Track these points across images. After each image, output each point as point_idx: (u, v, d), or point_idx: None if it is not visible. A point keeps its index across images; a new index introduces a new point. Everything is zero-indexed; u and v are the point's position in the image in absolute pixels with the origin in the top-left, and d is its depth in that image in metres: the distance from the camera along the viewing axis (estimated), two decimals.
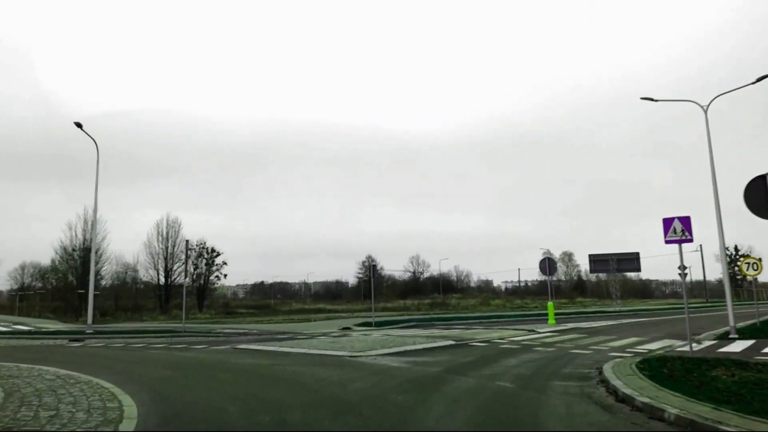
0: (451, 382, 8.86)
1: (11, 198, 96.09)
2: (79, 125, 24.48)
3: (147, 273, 61.64)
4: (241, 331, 23.73)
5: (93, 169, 25.19)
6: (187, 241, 32.05)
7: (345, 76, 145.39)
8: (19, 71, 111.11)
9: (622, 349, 13.62)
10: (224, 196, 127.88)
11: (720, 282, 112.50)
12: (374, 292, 26.26)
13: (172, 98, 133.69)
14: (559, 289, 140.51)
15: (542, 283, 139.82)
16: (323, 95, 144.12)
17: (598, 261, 39.56)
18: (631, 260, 38.38)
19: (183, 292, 25.35)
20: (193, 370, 11.06)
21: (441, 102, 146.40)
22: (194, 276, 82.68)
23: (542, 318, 29.97)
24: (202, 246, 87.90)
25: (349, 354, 12.38)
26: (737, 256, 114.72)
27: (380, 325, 25.30)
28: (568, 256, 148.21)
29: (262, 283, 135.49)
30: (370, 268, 27.60)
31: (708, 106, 18.54)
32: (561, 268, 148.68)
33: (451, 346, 14.71)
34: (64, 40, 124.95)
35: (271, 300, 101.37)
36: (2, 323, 33.80)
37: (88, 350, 16.09)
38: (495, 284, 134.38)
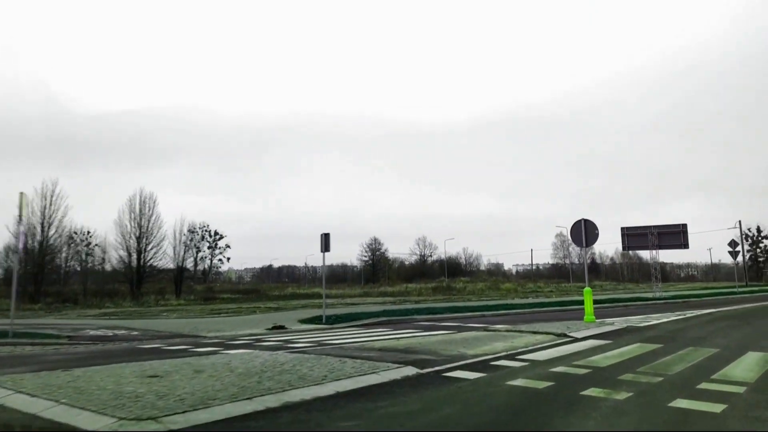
0: None
1: None
2: None
3: (116, 254, 54.13)
4: (94, 333, 15.76)
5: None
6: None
7: (355, 64, 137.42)
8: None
9: None
10: (236, 181, 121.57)
11: (737, 265, 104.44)
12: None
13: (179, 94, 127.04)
14: (572, 272, 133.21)
15: (555, 267, 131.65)
16: (334, 84, 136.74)
17: (633, 235, 31.15)
18: (676, 234, 29.89)
19: (14, 275, 15.39)
20: None
21: (456, 89, 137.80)
22: (197, 260, 75.62)
23: (565, 309, 21.83)
24: (204, 229, 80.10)
25: None
26: (760, 237, 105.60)
27: (337, 320, 17.33)
28: None
29: (270, 266, 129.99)
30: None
31: None
32: (574, 251, 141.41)
33: (384, 393, 6.48)
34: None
35: (273, 284, 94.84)
36: None
37: None
38: (506, 267, 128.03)
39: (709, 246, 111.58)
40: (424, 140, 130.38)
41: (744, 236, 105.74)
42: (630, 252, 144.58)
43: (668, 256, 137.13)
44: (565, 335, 11.60)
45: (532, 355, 8.74)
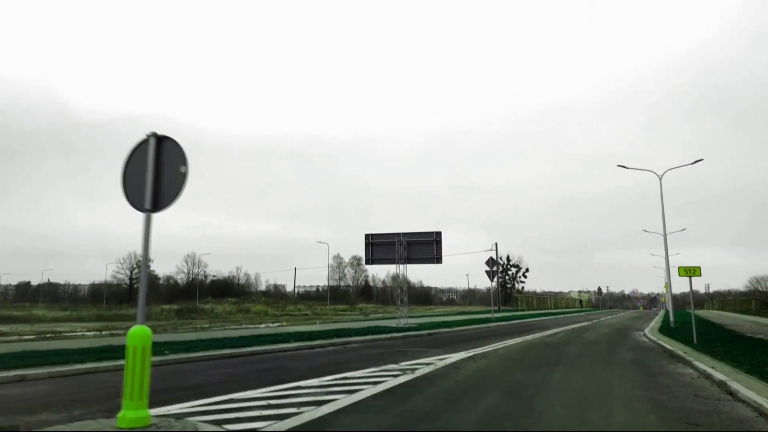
0: None
1: None
2: None
3: None
4: None
5: None
6: None
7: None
8: None
9: None
10: None
11: (492, 289, 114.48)
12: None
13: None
14: (347, 294, 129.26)
15: (333, 288, 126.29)
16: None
17: (380, 245, 23.43)
18: (429, 244, 22.87)
19: None
20: None
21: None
22: None
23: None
24: None
25: None
26: (509, 265, 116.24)
27: None
28: (357, 261, 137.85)
29: None
30: None
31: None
32: (349, 273, 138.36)
33: None
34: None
35: None
36: None
37: None
38: (288, 289, 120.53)
39: (466, 272, 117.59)
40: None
41: (500, 264, 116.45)
42: (400, 275, 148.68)
43: (432, 280, 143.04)
44: None
45: None
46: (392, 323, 24.07)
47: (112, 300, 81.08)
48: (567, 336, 19.70)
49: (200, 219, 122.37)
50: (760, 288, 64.19)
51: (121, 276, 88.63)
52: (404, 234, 23.21)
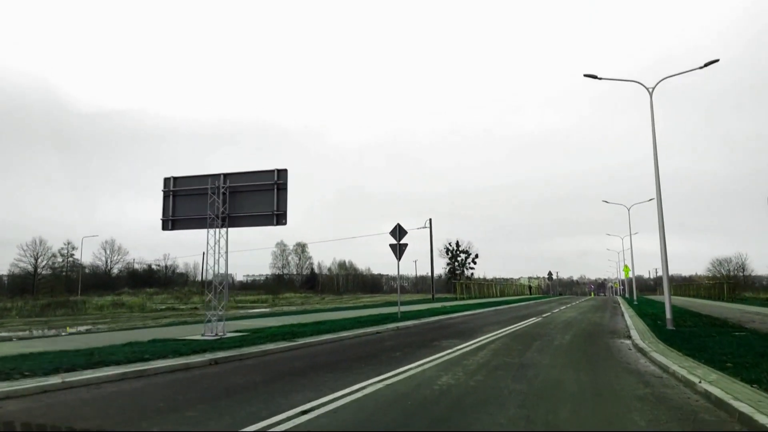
0: None
1: None
2: None
3: None
4: None
5: None
6: None
7: None
8: None
9: None
10: None
11: (440, 277, 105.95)
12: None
13: None
14: (291, 282, 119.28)
15: (276, 277, 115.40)
16: None
17: (184, 197, 13.08)
18: (265, 192, 12.65)
19: None
20: None
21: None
22: None
23: None
24: None
25: None
26: (458, 251, 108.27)
27: None
28: (301, 248, 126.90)
29: None
30: None
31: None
32: (293, 260, 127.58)
33: None
34: None
35: None
36: None
37: None
38: (238, 278, 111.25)
39: (416, 257, 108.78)
40: None
41: (445, 250, 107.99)
42: (347, 262, 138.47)
43: (385, 267, 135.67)
44: None
45: None
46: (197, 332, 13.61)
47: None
48: (493, 362, 9.92)
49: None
50: (722, 271, 58.07)
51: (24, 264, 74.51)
52: (227, 175, 13.04)
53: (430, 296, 54.83)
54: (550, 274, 73.92)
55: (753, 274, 61.04)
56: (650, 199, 36.10)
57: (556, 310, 31.53)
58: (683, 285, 69.10)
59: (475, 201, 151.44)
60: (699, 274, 65.23)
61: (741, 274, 57.02)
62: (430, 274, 60.96)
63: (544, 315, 25.66)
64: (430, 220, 40.18)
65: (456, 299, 47.23)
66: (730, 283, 44.75)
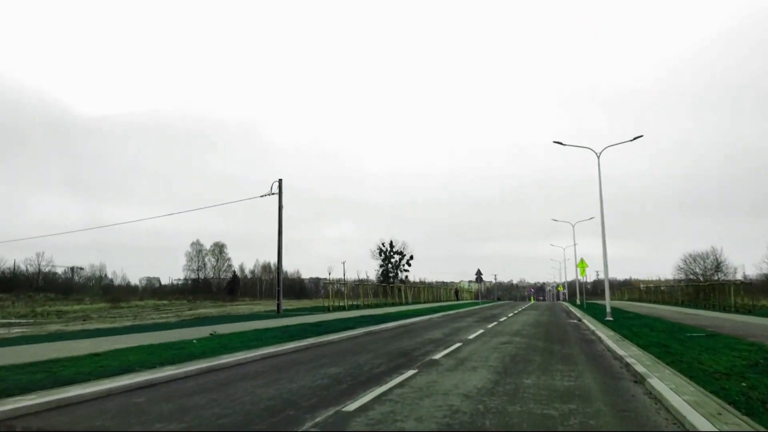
0: None
1: None
2: None
3: None
4: None
5: None
6: None
7: None
8: None
9: None
10: None
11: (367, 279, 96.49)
12: None
13: None
14: (209, 287, 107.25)
15: (194, 281, 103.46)
16: None
17: None
18: None
19: None
20: None
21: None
22: None
23: None
24: None
25: None
26: (392, 252, 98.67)
27: None
28: (219, 248, 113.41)
29: None
30: None
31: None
32: (210, 262, 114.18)
33: None
34: None
35: None
36: None
37: None
38: (164, 282, 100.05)
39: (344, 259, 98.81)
40: None
41: (378, 251, 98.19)
42: (272, 264, 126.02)
43: (316, 271, 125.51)
44: None
45: None
46: None
47: None
48: None
49: None
50: (696, 269, 49.38)
51: None
52: None
53: (312, 305, 38.73)
54: (479, 273, 64.82)
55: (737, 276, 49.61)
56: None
57: (496, 323, 19.81)
58: (628, 289, 62.13)
59: (422, 201, 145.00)
60: (667, 278, 57.26)
61: (716, 275, 46.60)
62: (368, 276, 49.64)
63: (477, 332, 14.45)
64: (281, 180, 29.06)
65: (359, 307, 36.29)
66: (703, 285, 36.04)
